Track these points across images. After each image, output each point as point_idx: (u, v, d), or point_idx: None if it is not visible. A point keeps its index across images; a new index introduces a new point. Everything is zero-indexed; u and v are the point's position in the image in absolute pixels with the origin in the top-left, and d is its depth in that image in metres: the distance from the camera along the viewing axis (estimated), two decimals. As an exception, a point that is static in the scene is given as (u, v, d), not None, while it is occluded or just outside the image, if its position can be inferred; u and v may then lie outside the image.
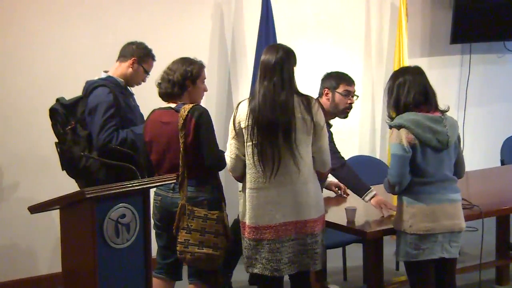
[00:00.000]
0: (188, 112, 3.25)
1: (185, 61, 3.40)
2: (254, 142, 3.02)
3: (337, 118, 3.92)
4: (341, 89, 3.82)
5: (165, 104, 3.43)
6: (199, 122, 3.25)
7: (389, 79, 3.30)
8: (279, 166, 2.99)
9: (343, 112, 3.86)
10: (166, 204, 3.37)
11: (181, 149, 3.25)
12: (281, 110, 2.98)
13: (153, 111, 3.46)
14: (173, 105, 3.38)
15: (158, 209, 3.41)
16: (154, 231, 3.48)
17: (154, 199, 3.42)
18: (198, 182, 3.31)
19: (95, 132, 3.51)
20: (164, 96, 3.41)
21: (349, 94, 3.84)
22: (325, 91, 3.84)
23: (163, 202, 3.38)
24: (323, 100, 3.83)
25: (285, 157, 3.00)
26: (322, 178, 3.24)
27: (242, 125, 3.05)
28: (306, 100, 3.05)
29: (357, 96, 3.91)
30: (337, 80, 3.84)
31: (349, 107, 3.86)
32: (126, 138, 3.56)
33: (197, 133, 3.24)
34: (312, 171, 3.10)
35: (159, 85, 3.42)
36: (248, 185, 3.10)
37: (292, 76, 3.06)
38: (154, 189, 3.40)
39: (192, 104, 3.31)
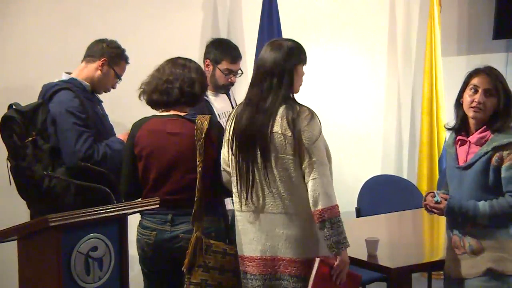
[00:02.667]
0: (208, 124, 3.29)
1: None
2: (231, 157, 3.08)
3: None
4: (223, 66, 4.17)
5: (152, 112, 3.46)
6: (220, 137, 3.28)
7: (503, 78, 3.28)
8: (252, 186, 3.01)
9: (223, 88, 4.26)
10: (164, 241, 3.33)
11: (200, 169, 3.25)
12: (260, 121, 2.99)
13: (147, 119, 3.44)
14: (181, 114, 3.41)
15: (151, 246, 3.35)
16: (141, 268, 3.46)
17: (141, 234, 3.39)
18: (211, 210, 3.32)
19: (69, 143, 3.50)
20: (176, 101, 3.39)
21: (231, 73, 4.18)
22: (206, 62, 4.20)
23: (159, 239, 3.33)
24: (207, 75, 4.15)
25: (260, 178, 3.02)
26: (317, 218, 2.97)
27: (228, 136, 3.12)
28: (294, 112, 2.99)
29: (241, 73, 4.21)
30: (220, 55, 4.18)
31: (230, 84, 4.19)
32: (106, 153, 3.56)
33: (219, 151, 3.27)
34: (300, 201, 3.02)
35: (178, 86, 3.39)
36: (234, 206, 3.16)
37: (285, 82, 3.03)
38: (139, 219, 3.40)
39: (208, 115, 3.37)
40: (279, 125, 2.97)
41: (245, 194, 3.04)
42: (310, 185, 2.97)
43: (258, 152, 2.99)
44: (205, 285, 3.23)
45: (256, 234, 3.05)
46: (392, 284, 3.65)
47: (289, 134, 2.97)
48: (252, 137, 3.00)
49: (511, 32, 6.19)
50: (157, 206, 3.21)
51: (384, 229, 4.19)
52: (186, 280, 3.26)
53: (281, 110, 2.99)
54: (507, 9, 6.05)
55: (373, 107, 5.87)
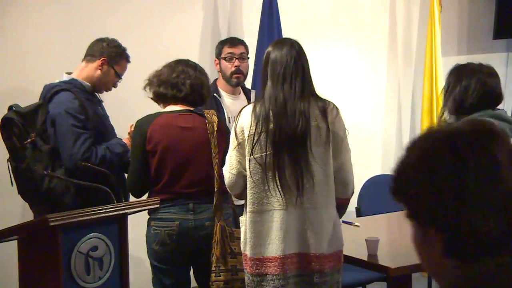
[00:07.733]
0: (217, 117, 3.50)
1: None
2: (261, 155, 3.03)
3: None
4: (225, 52, 4.29)
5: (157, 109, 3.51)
6: (228, 130, 3.45)
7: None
8: (303, 184, 2.99)
9: (231, 78, 4.33)
10: (188, 229, 3.39)
11: (217, 160, 3.39)
12: (299, 117, 3.00)
13: (155, 115, 3.47)
14: (190, 108, 3.50)
15: (174, 236, 3.39)
16: (153, 265, 3.47)
17: (160, 227, 3.39)
18: (225, 198, 3.47)
19: (67, 145, 3.50)
20: (185, 97, 3.50)
21: (233, 56, 4.27)
22: (215, 62, 4.35)
23: (183, 228, 3.38)
24: (219, 75, 4.37)
25: (297, 174, 3.00)
26: (342, 205, 3.22)
27: (246, 134, 3.08)
28: (322, 104, 3.08)
29: (248, 58, 4.34)
30: (220, 45, 4.36)
31: (236, 71, 4.27)
32: (105, 156, 3.55)
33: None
34: (330, 194, 3.08)
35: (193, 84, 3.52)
36: (249, 208, 3.10)
37: (307, 78, 3.11)
38: (147, 217, 3.42)
39: (212, 110, 3.59)
40: (313, 118, 3.02)
41: (293, 195, 3.00)
42: (343, 175, 3.10)
43: (297, 150, 3.00)
44: (235, 270, 3.33)
45: (280, 232, 3.02)
46: (392, 284, 3.66)
47: (323, 125, 3.03)
48: (293, 135, 2.99)
49: (511, 32, 6.20)
50: (157, 206, 3.24)
51: (384, 229, 4.19)
52: (214, 269, 3.35)
53: (312, 104, 3.05)
54: (507, 9, 6.05)
55: (373, 107, 5.88)
